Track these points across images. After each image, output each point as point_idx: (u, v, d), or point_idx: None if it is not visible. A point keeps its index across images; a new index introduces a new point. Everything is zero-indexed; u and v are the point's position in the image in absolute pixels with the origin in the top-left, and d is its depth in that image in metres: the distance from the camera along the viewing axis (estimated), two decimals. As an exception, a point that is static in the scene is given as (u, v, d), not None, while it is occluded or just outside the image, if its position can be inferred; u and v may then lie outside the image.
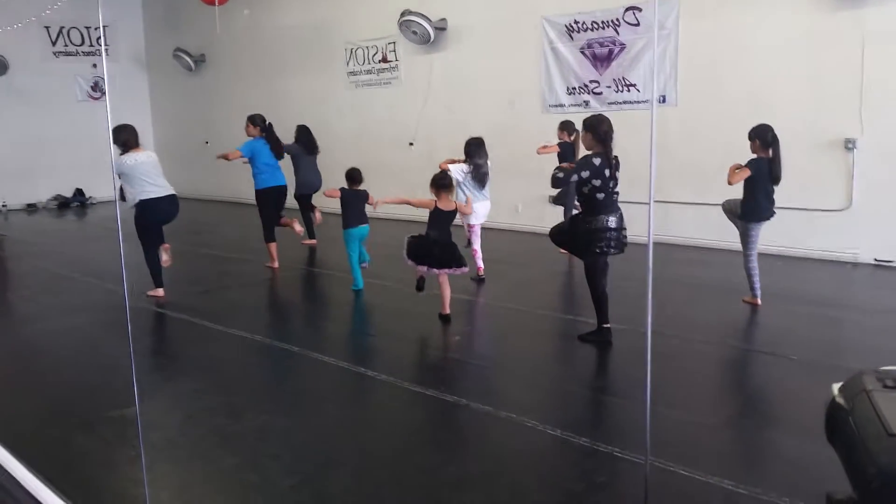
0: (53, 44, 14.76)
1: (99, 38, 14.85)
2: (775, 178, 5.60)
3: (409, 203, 5.82)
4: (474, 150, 6.79)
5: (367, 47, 11.53)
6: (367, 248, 6.95)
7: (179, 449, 3.62)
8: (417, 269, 5.64)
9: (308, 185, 8.80)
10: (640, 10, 8.38)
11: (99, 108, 15.02)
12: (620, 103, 8.70)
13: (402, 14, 10.30)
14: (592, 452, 3.43)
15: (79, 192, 15.10)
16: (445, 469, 3.36)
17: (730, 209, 5.92)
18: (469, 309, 6.22)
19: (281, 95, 12.81)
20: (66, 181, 14.86)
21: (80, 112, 14.76)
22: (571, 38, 9.07)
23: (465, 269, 5.69)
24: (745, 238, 5.75)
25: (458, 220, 6.82)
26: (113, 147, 6.28)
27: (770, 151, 5.57)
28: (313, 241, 9.05)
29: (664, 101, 8.31)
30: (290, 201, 8.18)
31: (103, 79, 15.20)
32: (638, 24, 8.44)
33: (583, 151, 5.75)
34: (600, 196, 4.82)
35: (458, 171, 6.75)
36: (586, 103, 9.02)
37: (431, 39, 10.39)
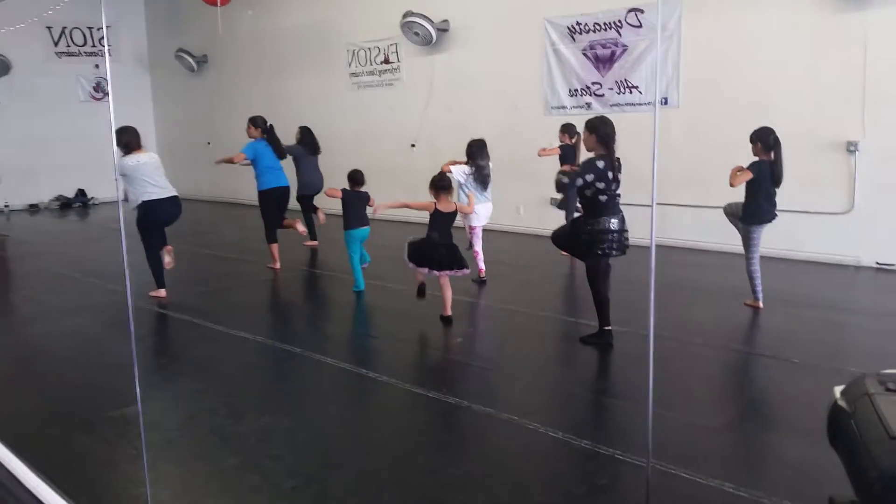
0: (56, 44, 14.79)
1: (101, 38, 14.89)
2: (777, 181, 5.59)
3: (408, 206, 5.82)
4: (476, 151, 6.80)
5: (368, 48, 11.54)
6: (368, 250, 6.96)
7: (180, 449, 3.63)
8: (418, 271, 5.63)
9: (310, 185, 8.81)
10: (642, 11, 8.38)
11: (101, 109, 15.05)
12: (622, 105, 8.70)
13: (404, 15, 10.31)
14: (594, 455, 3.43)
15: (81, 193, 15.12)
16: (447, 471, 3.36)
17: (731, 212, 5.92)
18: (470, 311, 6.22)
19: (283, 96, 12.83)
20: (69, 181, 14.89)
21: (83, 112, 14.79)
22: (573, 39, 9.08)
23: (467, 271, 5.69)
24: (747, 241, 5.75)
25: (459, 222, 6.84)
26: (115, 148, 6.29)
27: (772, 154, 5.56)
28: (315, 243, 9.06)
29: (666, 102, 8.31)
30: (292, 202, 8.18)
31: (105, 79, 15.22)
32: (640, 26, 8.44)
33: (584, 153, 5.75)
34: (603, 198, 4.81)
35: (461, 173, 6.76)
36: (588, 105, 9.02)
37: (433, 41, 10.40)
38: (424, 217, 5.70)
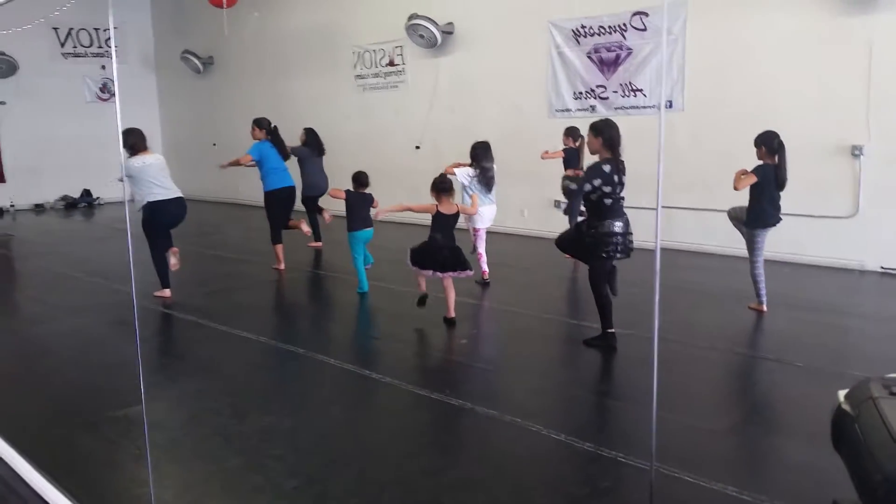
0: (62, 45, 14.84)
1: (108, 39, 14.93)
2: (781, 185, 5.59)
3: (410, 209, 5.84)
4: (481, 153, 6.80)
5: (374, 51, 11.56)
6: (372, 251, 6.97)
7: (183, 449, 3.63)
8: (421, 274, 5.62)
9: (315, 187, 8.83)
10: (647, 15, 8.38)
11: (107, 110, 15.08)
12: (627, 108, 8.70)
13: (410, 18, 10.33)
14: (596, 457, 3.43)
15: (86, 193, 15.16)
16: (449, 472, 3.36)
17: (735, 216, 5.91)
18: (474, 312, 6.22)
19: (288, 98, 12.85)
20: (74, 182, 14.93)
21: (89, 113, 14.83)
22: (578, 42, 9.08)
23: (470, 273, 5.68)
24: (751, 244, 5.75)
25: (464, 224, 6.84)
26: (122, 150, 6.32)
27: (776, 158, 5.56)
28: (319, 244, 9.08)
29: (671, 106, 8.30)
30: (297, 203, 8.20)
31: (111, 80, 15.27)
32: (645, 29, 8.44)
33: (587, 156, 5.75)
34: (608, 202, 4.81)
35: (465, 175, 6.77)
36: (593, 108, 9.02)
37: (438, 43, 10.41)
38: (428, 219, 5.70)
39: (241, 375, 4.75)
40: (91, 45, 15.14)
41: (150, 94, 16.26)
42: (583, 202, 5.02)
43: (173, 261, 6.70)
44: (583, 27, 8.98)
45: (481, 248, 7.03)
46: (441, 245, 5.56)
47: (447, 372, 4.89)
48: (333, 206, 7.41)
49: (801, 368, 4.61)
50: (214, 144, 14.46)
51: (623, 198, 4.91)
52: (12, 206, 14.23)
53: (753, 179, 5.47)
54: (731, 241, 6.80)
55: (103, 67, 15.25)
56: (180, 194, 6.65)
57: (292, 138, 8.85)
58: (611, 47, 8.78)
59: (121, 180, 7.36)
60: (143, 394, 2.92)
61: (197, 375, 4.76)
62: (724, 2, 7.86)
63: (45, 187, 14.68)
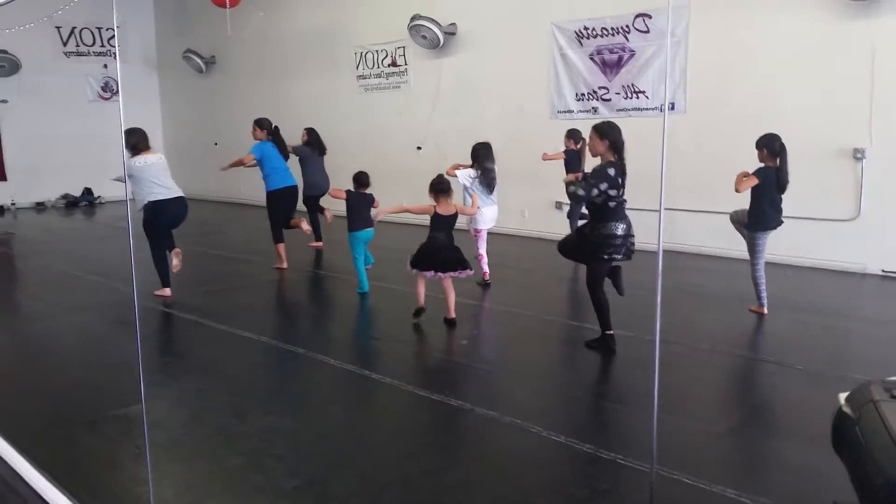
0: (65, 44, 14.86)
1: (110, 38, 14.96)
2: (782, 187, 5.59)
3: (408, 211, 5.85)
4: (482, 154, 6.80)
5: (376, 51, 11.56)
6: (373, 252, 6.97)
7: (184, 448, 3.63)
8: (421, 275, 5.60)
9: (316, 186, 8.83)
10: (649, 17, 8.38)
11: (109, 109, 15.11)
12: (629, 110, 8.70)
13: (412, 18, 10.33)
14: (596, 459, 3.42)
15: (87, 192, 15.17)
16: (449, 473, 3.36)
17: (737, 219, 5.91)
18: (474, 313, 6.22)
19: (290, 98, 12.86)
20: (75, 180, 14.94)
21: (91, 112, 14.85)
22: (581, 44, 9.08)
23: (470, 272, 5.67)
24: (752, 247, 5.75)
25: (464, 224, 6.84)
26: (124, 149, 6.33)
27: (777, 160, 5.56)
28: (320, 244, 9.08)
29: (673, 108, 8.31)
30: (299, 203, 8.20)
31: (113, 79, 15.28)
32: (648, 31, 8.44)
33: (588, 158, 5.74)
34: (612, 204, 4.80)
35: (466, 177, 6.76)
36: (595, 109, 9.02)
37: (441, 44, 10.42)
38: (428, 219, 5.70)
39: (241, 375, 4.75)
40: (93, 44, 15.16)
41: (152, 94, 16.27)
42: (586, 205, 5.01)
43: (175, 261, 6.70)
44: (586, 29, 8.98)
45: (482, 250, 7.03)
46: (440, 245, 5.56)
47: (447, 373, 4.88)
48: (334, 205, 7.41)
49: (801, 371, 4.60)
50: (216, 144, 14.48)
51: (625, 200, 4.91)
52: (13, 204, 14.24)
53: (755, 182, 5.47)
54: (733, 243, 6.80)
55: (105, 66, 15.27)
56: (181, 194, 6.66)
57: (294, 138, 8.86)
58: (613, 49, 8.78)
59: (117, 180, 7.35)
60: (143, 393, 2.92)
61: (197, 375, 4.75)
62: (726, 4, 7.86)
63: (47, 186, 14.69)
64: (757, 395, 4.53)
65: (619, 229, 4.82)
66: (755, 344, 5.44)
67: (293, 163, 8.23)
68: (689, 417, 3.88)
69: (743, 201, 5.74)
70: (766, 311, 5.79)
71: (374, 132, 11.73)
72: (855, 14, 7.04)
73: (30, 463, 3.24)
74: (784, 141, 5.58)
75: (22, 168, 14.17)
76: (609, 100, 8.92)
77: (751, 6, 7.70)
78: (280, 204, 7.78)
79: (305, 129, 9.04)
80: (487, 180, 6.78)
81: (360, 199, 6.54)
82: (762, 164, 5.59)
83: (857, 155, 7.17)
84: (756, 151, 5.64)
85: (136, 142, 6.45)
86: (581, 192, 4.79)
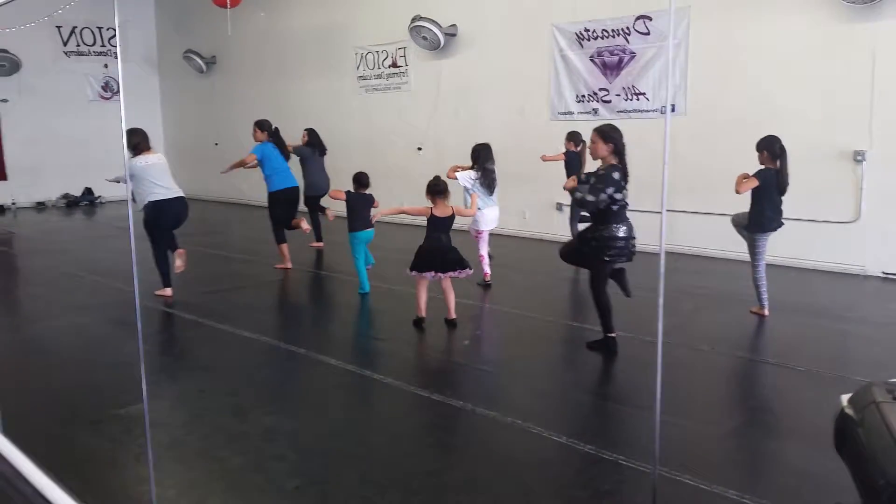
0: (65, 43, 14.86)
1: (111, 38, 14.97)
2: (782, 189, 5.60)
3: (405, 212, 5.86)
4: (483, 155, 6.80)
5: (377, 52, 11.57)
6: (374, 252, 6.97)
7: (185, 448, 3.63)
8: (422, 277, 5.59)
9: (317, 186, 8.84)
10: (650, 19, 8.39)
11: (109, 108, 15.11)
12: (629, 112, 8.71)
13: (413, 19, 10.34)
14: (597, 460, 3.43)
15: (88, 191, 15.16)
16: (449, 473, 3.36)
17: (738, 222, 5.92)
18: (475, 314, 6.23)
19: (290, 98, 12.87)
20: (76, 180, 14.93)
21: (91, 112, 14.86)
22: (581, 45, 9.09)
23: (470, 271, 5.66)
24: (753, 249, 5.75)
25: (464, 225, 6.84)
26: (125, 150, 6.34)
27: (778, 162, 5.57)
28: (320, 244, 9.09)
29: (673, 110, 8.31)
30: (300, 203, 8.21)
31: (114, 79, 15.28)
32: (648, 33, 8.45)
33: (589, 160, 5.73)
34: (615, 207, 4.81)
35: (467, 178, 6.76)
36: (595, 111, 9.03)
37: (441, 45, 10.43)
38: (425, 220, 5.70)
39: (242, 375, 4.75)
40: (94, 44, 15.16)
41: (152, 94, 16.27)
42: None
43: (179, 262, 6.70)
44: (586, 30, 8.99)
45: (483, 251, 7.03)
46: (438, 246, 5.56)
47: (448, 373, 4.89)
48: (335, 205, 7.42)
49: (802, 372, 4.61)
50: (216, 144, 14.48)
51: (627, 203, 4.91)
52: (14, 203, 14.23)
53: (755, 183, 5.47)
54: (734, 245, 6.80)
55: (106, 66, 15.27)
56: (182, 194, 6.67)
57: (294, 139, 8.86)
58: (614, 51, 8.79)
59: (115, 181, 7.36)
60: (144, 392, 2.92)
61: (198, 374, 4.76)
62: (726, 6, 7.88)
63: (47, 185, 14.68)
64: (758, 397, 4.54)
65: (621, 231, 4.82)
66: (756, 345, 5.45)
67: (293, 163, 8.23)
68: (690, 418, 3.88)
69: (743, 203, 5.75)
70: (766, 312, 5.79)
71: (375, 133, 11.74)
72: (855, 17, 7.05)
73: (32, 462, 3.24)
74: (784, 143, 5.59)
75: (22, 167, 14.17)
76: (609, 101, 8.93)
77: (751, 8, 7.71)
78: (282, 205, 7.78)
79: (306, 129, 9.05)
80: (488, 181, 6.78)
81: (360, 200, 6.54)
82: (762, 166, 5.60)
83: (858, 157, 7.18)
84: (756, 153, 5.65)
85: (138, 142, 6.47)
86: (591, 197, 4.74)
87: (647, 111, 8.60)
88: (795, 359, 4.82)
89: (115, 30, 14.97)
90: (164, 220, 6.58)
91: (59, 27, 14.54)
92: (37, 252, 9.76)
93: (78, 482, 3.14)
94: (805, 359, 4.82)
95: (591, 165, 5.30)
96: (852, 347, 5.40)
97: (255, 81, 13.85)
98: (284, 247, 7.87)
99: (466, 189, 6.77)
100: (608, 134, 4.83)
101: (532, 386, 4.52)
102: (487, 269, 7.00)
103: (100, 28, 15.09)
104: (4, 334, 5.86)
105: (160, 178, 6.51)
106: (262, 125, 7.82)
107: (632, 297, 5.14)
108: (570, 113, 9.31)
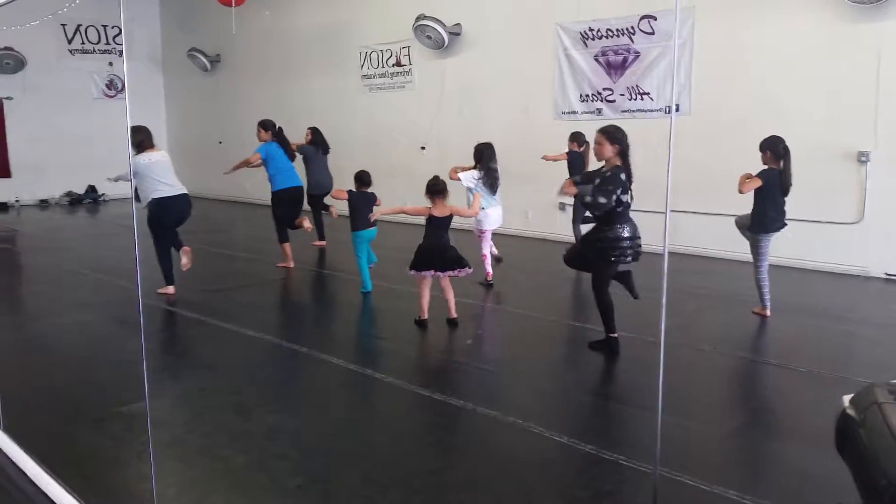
0: (70, 41, 14.88)
1: (116, 36, 14.99)
2: (785, 190, 5.59)
3: (404, 212, 5.87)
4: (486, 154, 6.79)
5: (381, 51, 11.57)
6: (376, 251, 6.97)
7: (187, 446, 3.64)
8: (422, 277, 5.59)
9: (320, 185, 8.86)
10: (654, 18, 8.38)
11: (113, 106, 15.13)
12: (633, 111, 8.69)
13: (417, 18, 10.34)
14: (598, 460, 3.42)
15: (91, 189, 15.19)
16: (451, 472, 3.36)
17: (742, 224, 5.91)
18: (477, 313, 6.23)
19: (294, 97, 12.88)
20: (79, 178, 14.95)
21: (95, 110, 14.88)
22: (586, 45, 9.08)
23: (469, 270, 5.65)
24: (756, 249, 5.74)
25: (469, 225, 6.83)
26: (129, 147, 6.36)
27: (781, 163, 5.56)
28: (323, 243, 9.10)
29: (678, 110, 8.30)
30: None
31: (118, 77, 15.31)
32: (653, 33, 8.44)
33: (592, 161, 5.73)
34: (619, 208, 4.80)
35: (469, 178, 6.75)
36: (599, 111, 9.02)
37: (445, 44, 10.42)
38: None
39: (244, 373, 4.75)
40: (99, 42, 15.18)
41: (156, 92, 16.29)
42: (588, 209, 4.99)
43: (185, 260, 6.71)
44: (591, 30, 8.98)
45: (486, 250, 7.02)
46: (437, 245, 5.56)
47: (450, 372, 4.89)
48: (338, 204, 7.42)
49: (804, 373, 4.60)
50: (220, 142, 14.50)
51: (630, 204, 4.90)
52: (17, 201, 14.26)
53: (758, 183, 5.46)
54: (737, 245, 6.79)
55: (111, 64, 15.30)
56: (185, 191, 6.69)
57: (298, 138, 8.87)
58: (618, 50, 8.78)
59: (115, 180, 7.37)
60: (146, 391, 2.92)
61: (200, 373, 4.77)
62: (731, 6, 7.86)
63: (50, 183, 14.72)
64: (760, 397, 4.53)
65: (626, 232, 4.81)
66: (758, 346, 5.44)
67: (297, 162, 8.24)
68: (692, 419, 3.88)
69: (746, 204, 5.74)
70: (769, 313, 5.78)
71: (379, 132, 11.74)
72: (860, 17, 7.03)
73: (34, 460, 3.25)
74: (788, 143, 5.58)
75: (26, 165, 14.20)
76: (613, 101, 8.92)
77: (755, 8, 7.69)
78: (285, 204, 7.79)
79: (309, 128, 9.06)
80: (491, 181, 6.77)
81: (362, 199, 6.54)
82: (766, 167, 5.59)
83: (862, 158, 7.16)
84: (760, 154, 5.64)
85: (142, 139, 6.48)
86: (603, 199, 4.68)
87: (652, 111, 8.59)
88: (797, 359, 4.81)
89: (120, 28, 15.01)
90: (167, 217, 6.59)
91: (63, 25, 14.57)
92: (40, 249, 9.78)
93: (79, 480, 3.15)
94: (807, 360, 4.81)
95: (593, 166, 5.29)
96: (854, 348, 5.38)
97: (259, 80, 13.86)
98: (287, 246, 7.89)
99: (469, 189, 6.77)
100: (614, 135, 4.82)
101: (533, 386, 4.51)
102: (489, 269, 6.99)
103: (105, 26, 15.11)
104: (7, 332, 5.87)
105: (164, 176, 6.53)
106: (265, 125, 7.83)
107: (639, 298, 5.13)
108: (574, 112, 9.30)
